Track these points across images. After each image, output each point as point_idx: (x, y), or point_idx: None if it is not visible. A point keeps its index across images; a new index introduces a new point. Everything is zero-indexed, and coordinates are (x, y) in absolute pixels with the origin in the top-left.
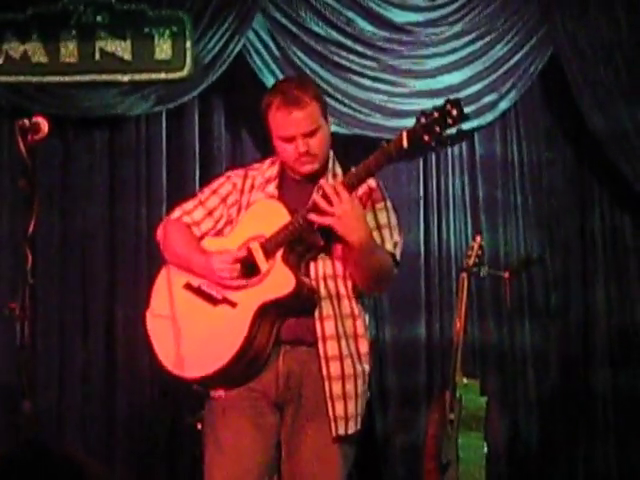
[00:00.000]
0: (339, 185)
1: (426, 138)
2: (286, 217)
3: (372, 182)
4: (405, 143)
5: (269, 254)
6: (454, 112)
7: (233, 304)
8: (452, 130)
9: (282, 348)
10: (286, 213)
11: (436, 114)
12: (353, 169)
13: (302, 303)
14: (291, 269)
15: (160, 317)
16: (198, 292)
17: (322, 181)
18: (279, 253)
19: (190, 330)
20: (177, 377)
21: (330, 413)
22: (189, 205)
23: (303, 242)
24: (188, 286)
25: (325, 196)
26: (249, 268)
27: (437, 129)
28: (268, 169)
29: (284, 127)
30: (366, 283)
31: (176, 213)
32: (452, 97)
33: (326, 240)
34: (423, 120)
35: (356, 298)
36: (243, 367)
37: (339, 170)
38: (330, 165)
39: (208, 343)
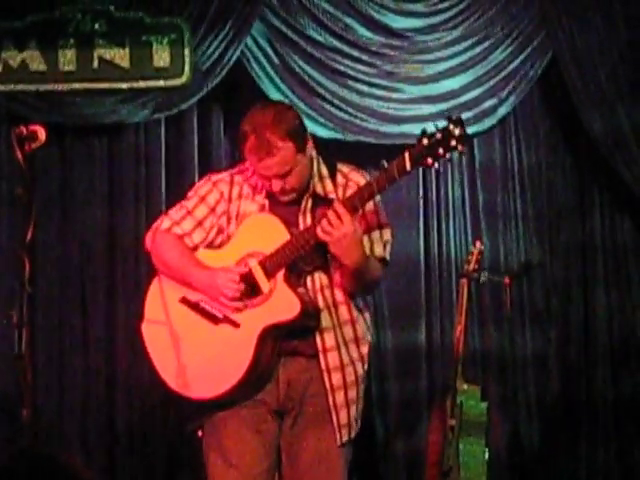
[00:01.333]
0: (341, 207)
1: (429, 161)
2: (284, 234)
3: (371, 205)
4: (408, 166)
5: (269, 273)
6: (457, 132)
7: (236, 324)
8: (455, 151)
9: (282, 358)
10: (284, 230)
11: (438, 135)
12: (356, 190)
13: (307, 323)
14: (294, 291)
15: (157, 330)
16: (197, 309)
17: (329, 211)
18: (280, 273)
19: (191, 348)
20: (180, 396)
21: (335, 422)
22: (177, 215)
23: (303, 259)
24: (185, 301)
25: (327, 218)
26: (248, 286)
27: (440, 151)
28: (253, 175)
29: (257, 169)
30: (355, 292)
31: (165, 223)
32: (454, 115)
33: (323, 251)
34: (425, 142)
35: (352, 303)
36: (250, 386)
37: (325, 171)
38: (315, 168)
39: (213, 364)
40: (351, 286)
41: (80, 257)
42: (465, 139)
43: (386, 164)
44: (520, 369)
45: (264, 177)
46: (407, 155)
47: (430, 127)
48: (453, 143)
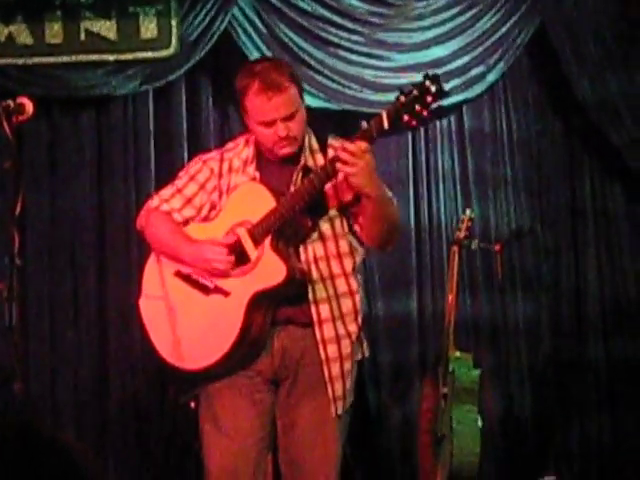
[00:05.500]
0: (353, 144)
1: (406, 118)
2: (271, 202)
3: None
4: (386, 124)
5: (257, 241)
6: (433, 89)
7: (226, 293)
8: (432, 106)
9: (276, 328)
10: (271, 198)
11: (415, 92)
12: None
13: (295, 289)
14: (281, 256)
15: (154, 305)
16: (189, 280)
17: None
18: (267, 240)
19: (185, 320)
20: (174, 367)
21: (330, 394)
22: (166, 193)
23: (291, 225)
24: (178, 274)
25: (345, 151)
26: (237, 255)
27: (417, 108)
28: (243, 150)
29: (264, 112)
30: (383, 236)
31: (154, 202)
32: (430, 72)
33: (313, 221)
34: (402, 99)
35: (352, 275)
36: (241, 355)
37: (316, 144)
38: (307, 141)
39: (204, 334)
40: (380, 226)
41: (70, 230)
42: (441, 95)
43: (365, 124)
44: (512, 336)
45: (269, 124)
46: (385, 114)
47: (407, 86)
48: (429, 99)
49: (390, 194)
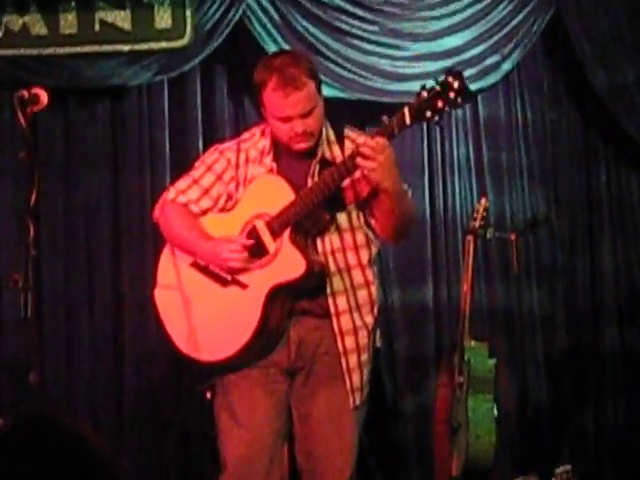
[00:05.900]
0: (373, 139)
1: (429, 114)
2: (290, 194)
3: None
4: (408, 120)
5: (275, 234)
6: (456, 85)
7: (243, 286)
8: (457, 104)
9: (292, 319)
10: (290, 190)
11: (437, 88)
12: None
13: (313, 282)
14: (300, 250)
15: (169, 295)
16: (206, 272)
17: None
18: (286, 233)
19: (201, 311)
20: (191, 359)
21: (348, 385)
22: (183, 184)
23: (309, 219)
24: (195, 264)
25: (366, 146)
26: (255, 247)
27: (440, 104)
28: (260, 140)
29: (281, 108)
30: (398, 230)
31: (171, 194)
32: (453, 68)
33: (331, 214)
34: (425, 95)
35: (369, 266)
36: (258, 348)
37: (332, 136)
38: (324, 133)
39: (220, 325)
40: (395, 220)
41: (84, 220)
42: (464, 92)
43: (386, 119)
44: (527, 325)
45: (286, 119)
46: (407, 109)
47: (430, 82)
48: (452, 95)
49: (406, 187)
